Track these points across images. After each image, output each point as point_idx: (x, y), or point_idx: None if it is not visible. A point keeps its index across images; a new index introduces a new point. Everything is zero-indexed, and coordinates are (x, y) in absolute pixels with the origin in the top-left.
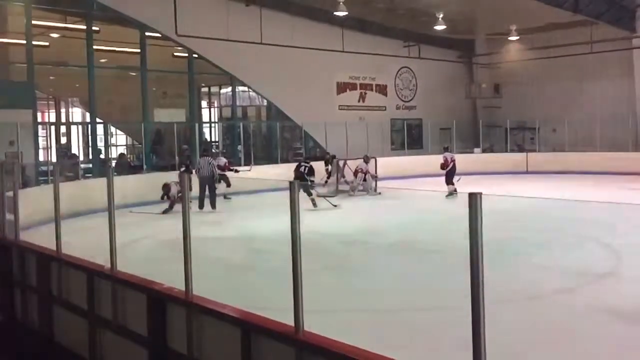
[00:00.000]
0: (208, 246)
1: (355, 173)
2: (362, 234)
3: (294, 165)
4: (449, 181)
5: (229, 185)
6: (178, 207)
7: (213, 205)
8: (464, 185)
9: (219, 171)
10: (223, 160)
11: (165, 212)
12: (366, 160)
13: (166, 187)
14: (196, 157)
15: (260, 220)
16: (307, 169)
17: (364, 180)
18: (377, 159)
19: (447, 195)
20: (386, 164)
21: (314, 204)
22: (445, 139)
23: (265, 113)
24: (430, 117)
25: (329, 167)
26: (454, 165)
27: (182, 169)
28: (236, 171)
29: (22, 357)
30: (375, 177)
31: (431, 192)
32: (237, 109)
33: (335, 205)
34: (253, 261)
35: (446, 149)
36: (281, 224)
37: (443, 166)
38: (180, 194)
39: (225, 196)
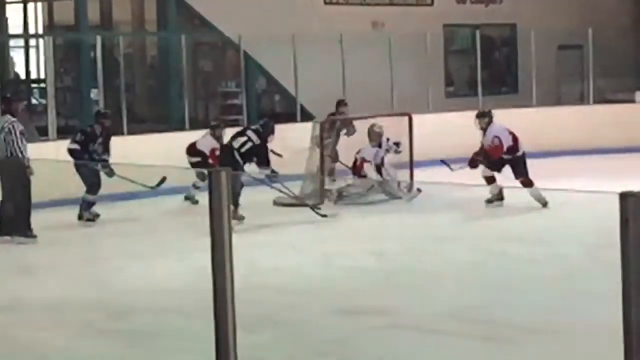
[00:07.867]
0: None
1: (356, 166)
2: (374, 293)
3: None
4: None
5: (202, 178)
6: None
7: (22, 227)
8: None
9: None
10: (210, 144)
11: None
12: (373, 135)
13: None
14: None
15: (153, 259)
16: (247, 143)
17: (379, 174)
18: (414, 117)
19: (488, 200)
20: (437, 129)
21: (235, 216)
22: (572, 68)
23: (154, 15)
24: (535, 20)
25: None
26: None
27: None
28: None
29: None
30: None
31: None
32: (88, 5)
33: (325, 215)
34: None
35: (484, 116)
36: (198, 265)
37: (493, 150)
38: None
39: (188, 197)
